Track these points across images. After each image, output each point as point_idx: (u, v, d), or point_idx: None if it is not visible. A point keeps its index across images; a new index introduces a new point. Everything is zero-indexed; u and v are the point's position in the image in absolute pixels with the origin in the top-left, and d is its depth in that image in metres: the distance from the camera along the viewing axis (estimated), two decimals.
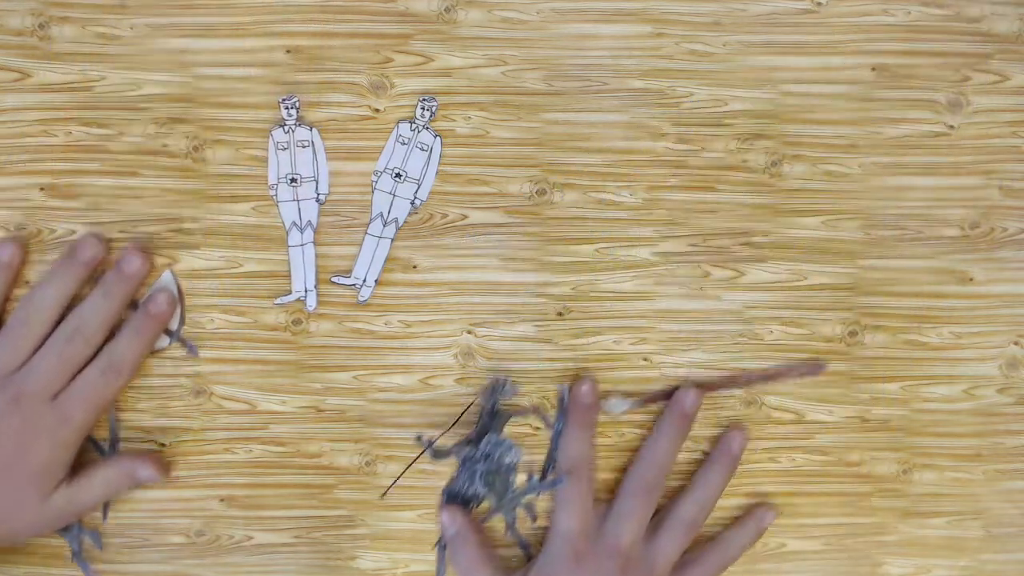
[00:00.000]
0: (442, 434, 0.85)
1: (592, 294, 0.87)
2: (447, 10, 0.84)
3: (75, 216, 0.84)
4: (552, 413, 0.86)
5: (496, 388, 0.84)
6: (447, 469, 0.87)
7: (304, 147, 0.85)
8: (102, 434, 0.85)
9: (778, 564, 0.90)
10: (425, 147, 0.85)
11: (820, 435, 0.89)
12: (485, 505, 0.87)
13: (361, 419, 0.87)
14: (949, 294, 0.88)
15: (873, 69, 0.86)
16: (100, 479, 0.81)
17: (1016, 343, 0.88)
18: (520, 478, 0.86)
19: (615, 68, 0.85)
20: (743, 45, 0.85)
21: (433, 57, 0.85)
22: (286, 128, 0.84)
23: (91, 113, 0.84)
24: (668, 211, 0.86)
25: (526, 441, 0.87)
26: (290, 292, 0.86)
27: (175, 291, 0.84)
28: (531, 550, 0.87)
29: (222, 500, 0.88)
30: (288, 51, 0.84)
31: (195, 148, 0.85)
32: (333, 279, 0.86)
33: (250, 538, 0.88)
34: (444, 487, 0.87)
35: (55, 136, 0.84)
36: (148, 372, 0.86)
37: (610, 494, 0.86)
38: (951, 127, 0.86)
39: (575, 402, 0.84)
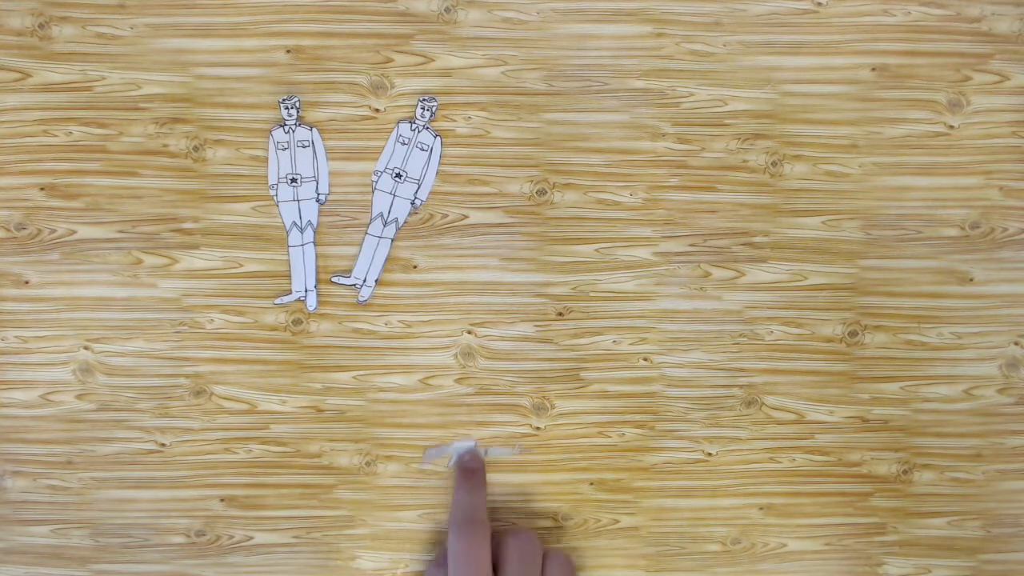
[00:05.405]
0: None
1: (592, 294, 0.87)
2: (447, 10, 0.84)
3: (75, 216, 0.84)
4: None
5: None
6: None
7: (304, 147, 0.85)
8: None
9: (778, 564, 0.90)
10: (425, 147, 0.85)
11: (820, 435, 0.89)
12: None
13: (361, 419, 0.87)
14: (949, 294, 0.88)
15: (873, 69, 0.86)
16: None
17: (1016, 343, 0.88)
18: None
19: (615, 68, 0.85)
20: (743, 45, 0.85)
21: (433, 57, 0.85)
22: (286, 128, 0.84)
23: (91, 113, 0.84)
24: (668, 211, 0.86)
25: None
26: (290, 292, 0.86)
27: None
28: None
29: (222, 500, 0.88)
30: (288, 51, 0.84)
31: (195, 148, 0.85)
32: (333, 279, 0.86)
33: (250, 538, 0.88)
34: None
35: (55, 136, 0.84)
36: (148, 372, 0.86)
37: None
38: (951, 127, 0.86)
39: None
